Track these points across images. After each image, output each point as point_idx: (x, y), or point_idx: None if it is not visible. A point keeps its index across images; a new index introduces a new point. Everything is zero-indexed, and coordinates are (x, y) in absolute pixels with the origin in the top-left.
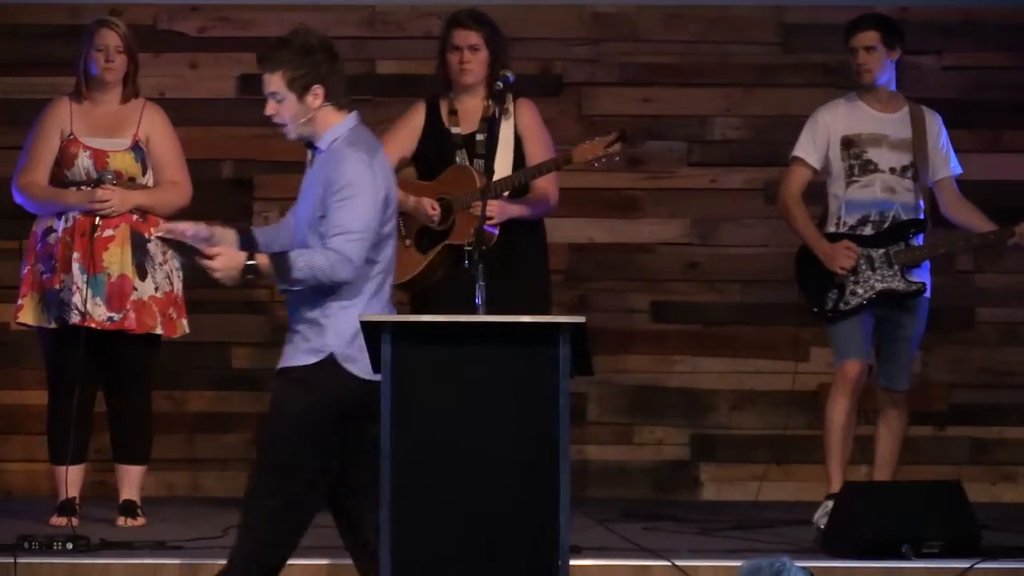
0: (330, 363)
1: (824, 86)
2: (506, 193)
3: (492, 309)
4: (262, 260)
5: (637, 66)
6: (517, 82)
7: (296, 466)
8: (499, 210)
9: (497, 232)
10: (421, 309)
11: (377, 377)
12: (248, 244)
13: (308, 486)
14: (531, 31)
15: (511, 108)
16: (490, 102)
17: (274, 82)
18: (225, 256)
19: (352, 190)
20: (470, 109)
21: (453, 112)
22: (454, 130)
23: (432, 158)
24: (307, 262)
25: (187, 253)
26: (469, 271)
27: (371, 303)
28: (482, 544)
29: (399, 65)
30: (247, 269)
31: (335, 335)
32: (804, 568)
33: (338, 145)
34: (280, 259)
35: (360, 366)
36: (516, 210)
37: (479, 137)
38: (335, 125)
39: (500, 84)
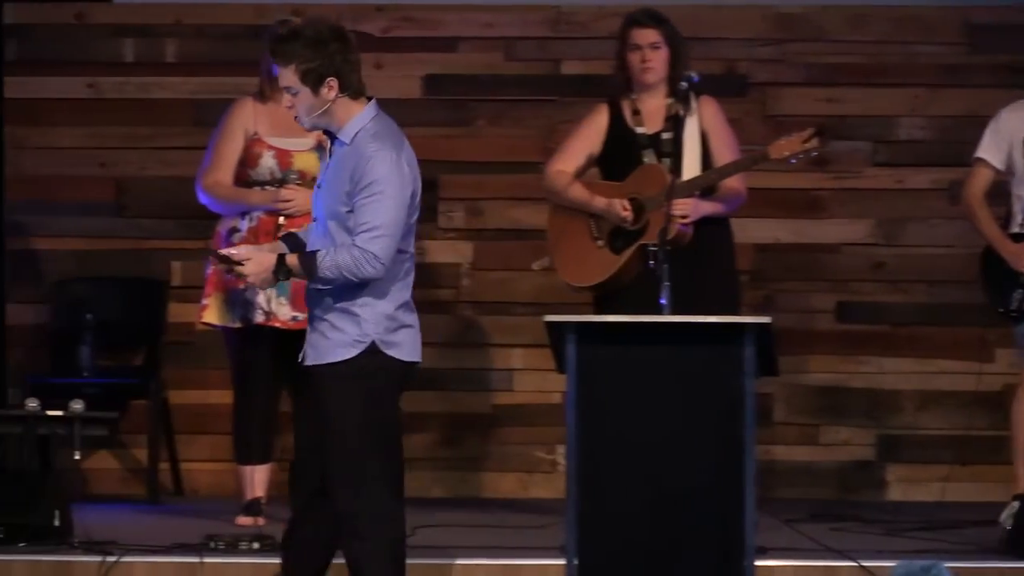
0: (373, 351)
1: (1010, 87)
2: (697, 192)
3: (680, 308)
4: (292, 260)
5: (822, 66)
6: (701, 82)
7: (375, 457)
8: (693, 208)
9: (691, 230)
10: (607, 309)
11: (415, 358)
12: (295, 246)
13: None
14: (716, 31)
15: (695, 106)
16: (673, 101)
17: (287, 76)
18: (254, 261)
19: (379, 187)
20: (653, 109)
21: (636, 112)
22: (639, 130)
23: (618, 159)
24: (333, 261)
25: (227, 262)
26: (654, 271)
27: (401, 290)
28: (668, 544)
29: (584, 65)
30: (278, 271)
31: (373, 324)
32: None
33: (362, 138)
34: (309, 259)
35: (401, 350)
36: (709, 208)
37: (665, 136)
38: (356, 116)
39: (684, 84)
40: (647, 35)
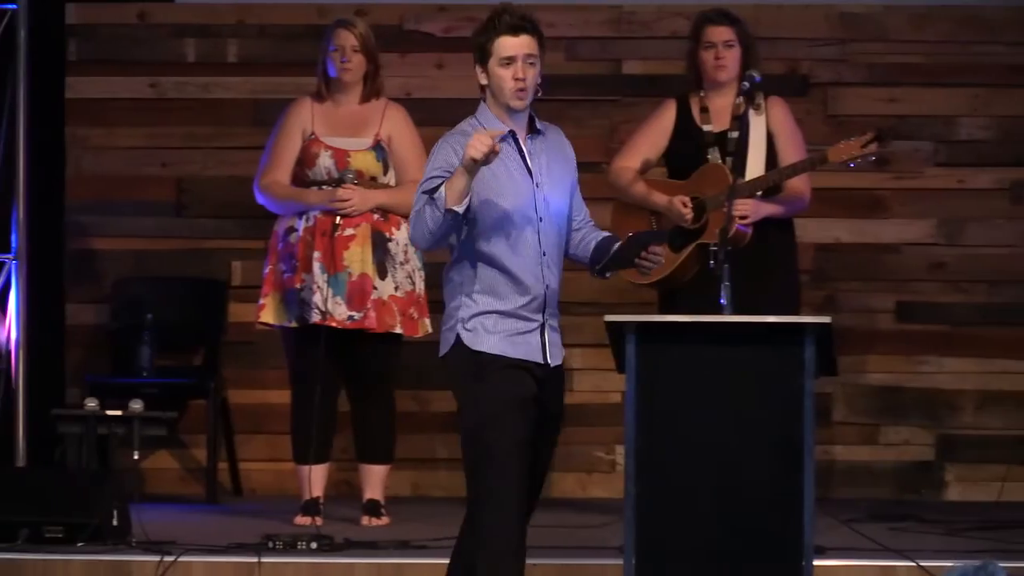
0: None
1: None
2: (759, 192)
3: (741, 309)
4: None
5: (884, 66)
6: (763, 82)
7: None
8: (753, 209)
9: (751, 231)
10: (669, 308)
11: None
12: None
13: None
14: (778, 31)
15: (763, 105)
16: (741, 99)
17: (534, 45)
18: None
19: None
20: (721, 107)
21: (704, 110)
22: (706, 128)
23: (684, 156)
24: None
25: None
26: (714, 271)
27: None
28: (727, 543)
29: (645, 65)
30: None
31: None
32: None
33: (547, 125)
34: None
35: None
36: (770, 209)
37: (732, 135)
38: None
39: (747, 84)
40: (722, 33)
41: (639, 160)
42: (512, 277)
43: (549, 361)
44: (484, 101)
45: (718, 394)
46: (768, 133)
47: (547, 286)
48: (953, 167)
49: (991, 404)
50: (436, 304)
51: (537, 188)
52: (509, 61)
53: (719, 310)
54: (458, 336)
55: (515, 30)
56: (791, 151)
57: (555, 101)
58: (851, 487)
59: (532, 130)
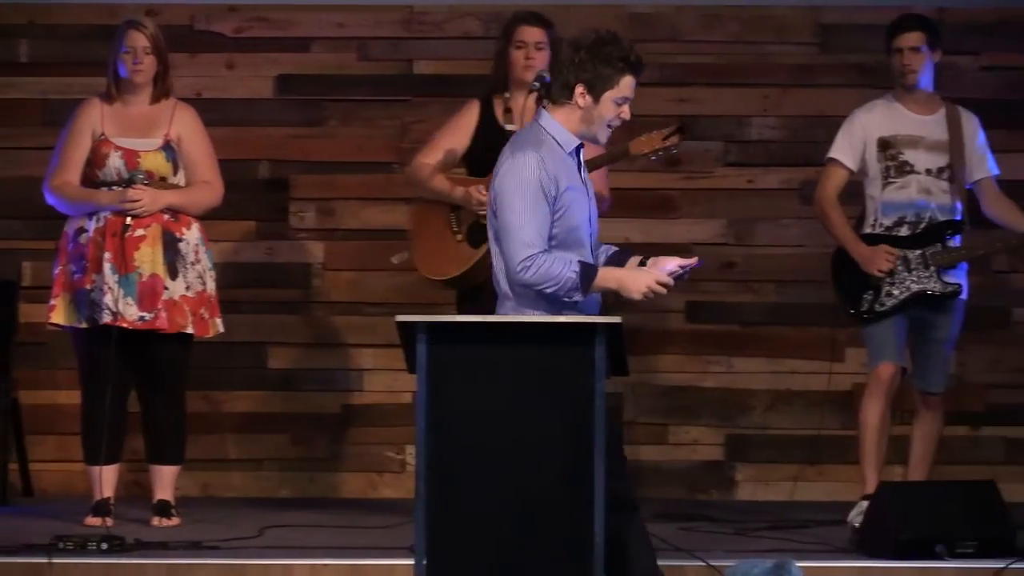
0: None
1: (861, 86)
2: None
3: None
4: None
5: (674, 66)
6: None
7: None
8: None
9: None
10: (466, 308)
11: None
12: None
13: None
14: (568, 31)
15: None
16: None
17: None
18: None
19: None
20: (524, 108)
21: (508, 111)
22: (508, 127)
23: (486, 156)
24: None
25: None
26: None
27: None
28: (518, 543)
29: (436, 65)
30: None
31: None
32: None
33: None
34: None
35: None
36: None
37: None
38: None
39: (536, 84)
40: (534, 34)
41: (438, 157)
42: None
43: None
44: (550, 111)
45: (509, 394)
46: None
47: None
48: (743, 167)
49: (781, 404)
50: (228, 304)
51: (590, 202)
52: (625, 101)
53: None
54: None
55: (639, 71)
56: (590, 151)
57: (346, 101)
58: (641, 487)
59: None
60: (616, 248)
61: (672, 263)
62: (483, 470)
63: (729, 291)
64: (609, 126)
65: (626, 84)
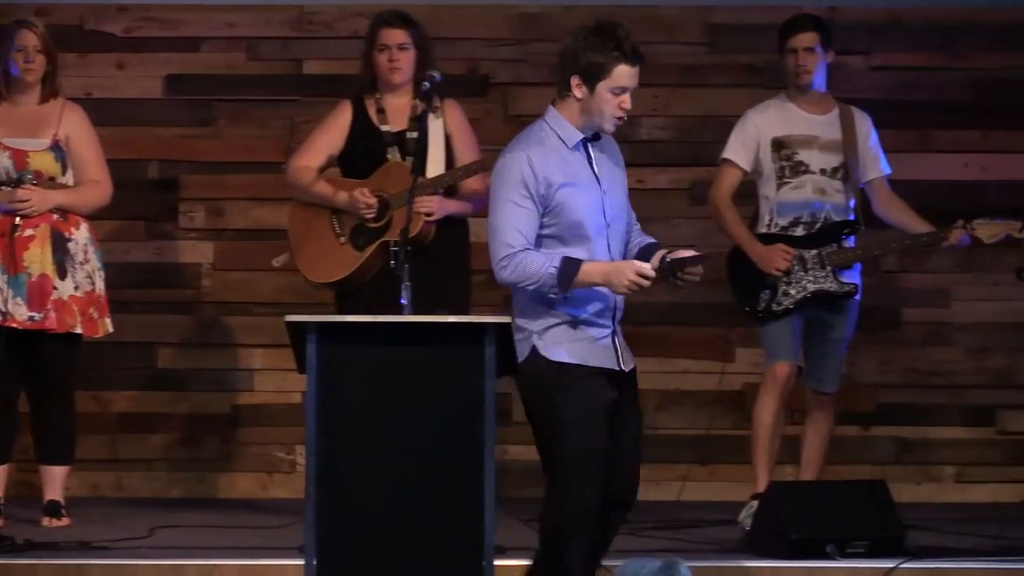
0: None
1: (751, 86)
2: (441, 190)
3: (419, 308)
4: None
5: None
6: (443, 82)
7: None
8: (438, 206)
9: (433, 228)
10: (347, 308)
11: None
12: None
13: None
14: (457, 31)
15: (440, 107)
16: (417, 101)
17: (637, 79)
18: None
19: None
20: (397, 108)
21: (381, 111)
22: (384, 128)
23: (362, 157)
24: None
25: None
26: (395, 271)
27: None
28: (408, 543)
29: (326, 65)
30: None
31: None
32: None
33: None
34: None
35: None
36: (454, 206)
37: (410, 135)
38: None
39: (427, 84)
40: (395, 35)
41: (317, 160)
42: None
43: (623, 367)
44: (556, 106)
45: (400, 394)
46: (446, 134)
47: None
48: (633, 167)
49: (671, 404)
50: (117, 304)
51: (605, 195)
52: (622, 91)
53: (398, 310)
54: (533, 347)
55: (635, 61)
56: (466, 152)
57: (236, 101)
58: (531, 487)
59: (594, 136)
60: (651, 241)
61: (681, 254)
62: (373, 470)
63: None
64: (618, 117)
65: (621, 73)
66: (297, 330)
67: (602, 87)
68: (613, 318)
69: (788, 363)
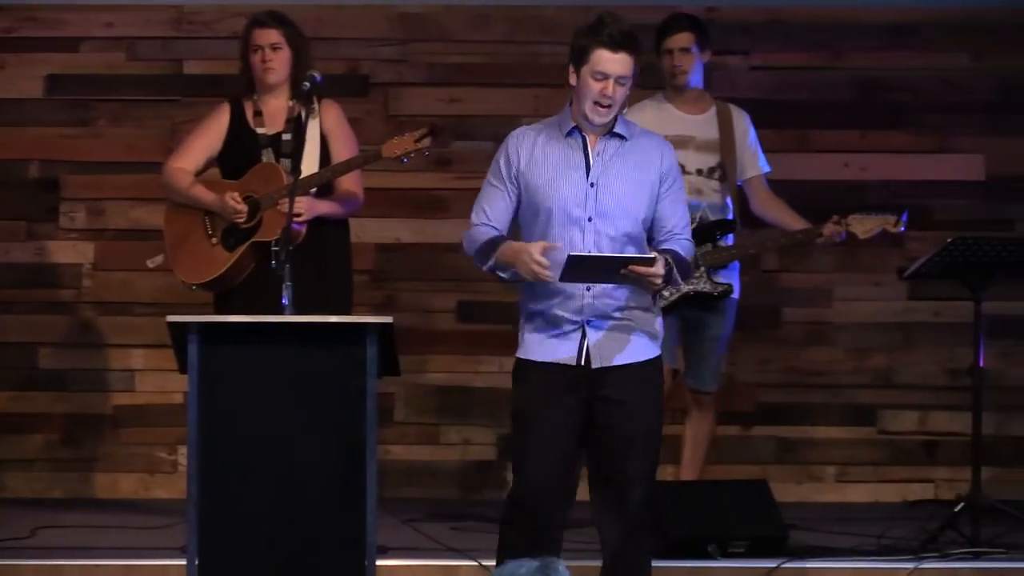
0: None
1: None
2: (313, 191)
3: (300, 308)
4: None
5: (444, 66)
6: (324, 82)
7: None
8: (307, 207)
9: (304, 229)
10: (225, 309)
11: None
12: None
13: None
14: (338, 31)
15: (317, 108)
16: (294, 102)
17: (630, 66)
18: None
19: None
20: (275, 110)
21: (258, 113)
22: (260, 130)
23: (238, 158)
24: (687, 254)
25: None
26: (276, 271)
27: None
28: (290, 543)
29: (206, 65)
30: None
31: (661, 323)
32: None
33: (642, 131)
34: (682, 259)
35: None
36: (324, 207)
37: (285, 137)
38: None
39: (307, 84)
40: (268, 35)
41: (193, 162)
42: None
43: (591, 363)
44: (570, 101)
45: (281, 394)
46: (322, 135)
47: (588, 287)
48: None
49: None
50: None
51: (591, 188)
52: (603, 77)
53: (278, 310)
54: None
55: (616, 47)
56: (344, 152)
57: (116, 101)
58: (412, 487)
59: (609, 131)
60: (665, 247)
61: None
62: (255, 471)
63: (501, 291)
64: (598, 104)
65: (600, 58)
66: (178, 330)
67: (585, 72)
68: (583, 313)
69: (664, 366)
